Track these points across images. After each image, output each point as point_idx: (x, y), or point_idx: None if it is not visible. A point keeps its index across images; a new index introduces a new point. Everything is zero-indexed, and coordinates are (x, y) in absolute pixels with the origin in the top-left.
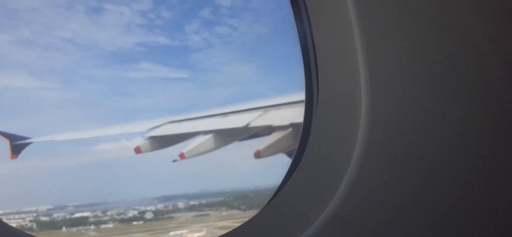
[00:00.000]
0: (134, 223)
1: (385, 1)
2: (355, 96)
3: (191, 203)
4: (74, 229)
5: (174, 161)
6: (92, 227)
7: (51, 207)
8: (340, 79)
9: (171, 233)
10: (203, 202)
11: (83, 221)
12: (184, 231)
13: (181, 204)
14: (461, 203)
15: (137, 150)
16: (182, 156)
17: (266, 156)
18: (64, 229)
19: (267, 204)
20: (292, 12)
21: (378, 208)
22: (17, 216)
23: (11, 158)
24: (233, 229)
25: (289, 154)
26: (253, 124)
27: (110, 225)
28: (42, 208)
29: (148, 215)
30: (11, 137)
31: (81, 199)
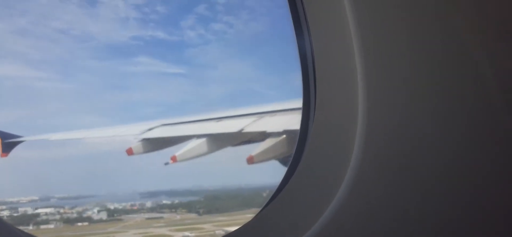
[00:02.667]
0: (79, 224)
1: (383, 8)
2: (353, 103)
3: (163, 201)
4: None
5: (166, 163)
6: (31, 227)
7: (36, 198)
8: (338, 86)
9: None
10: (176, 201)
11: (31, 219)
12: None
13: (149, 203)
14: (460, 204)
15: (129, 152)
16: (174, 159)
17: (258, 161)
18: None
19: (264, 208)
20: (291, 20)
21: (376, 213)
22: None
23: (1, 156)
24: (231, 232)
25: (282, 161)
26: (247, 129)
27: (51, 226)
28: (25, 199)
29: (102, 215)
30: (2, 135)
31: (71, 191)
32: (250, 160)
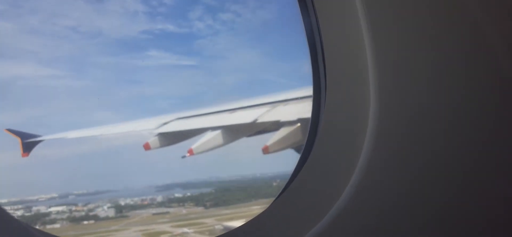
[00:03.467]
0: (85, 222)
1: (394, 4)
2: (363, 92)
3: (175, 195)
4: None
5: (183, 157)
6: (37, 227)
7: (56, 195)
8: (348, 75)
9: None
10: (188, 193)
11: (39, 219)
12: None
13: (160, 197)
14: (470, 201)
15: (146, 147)
16: (191, 152)
17: (274, 151)
18: None
19: (276, 199)
20: (299, 8)
21: (387, 204)
22: (11, 207)
23: (22, 156)
24: (243, 225)
25: (297, 149)
26: (261, 120)
27: (57, 225)
28: (45, 197)
29: (110, 212)
30: (22, 135)
31: (90, 187)
32: (266, 150)
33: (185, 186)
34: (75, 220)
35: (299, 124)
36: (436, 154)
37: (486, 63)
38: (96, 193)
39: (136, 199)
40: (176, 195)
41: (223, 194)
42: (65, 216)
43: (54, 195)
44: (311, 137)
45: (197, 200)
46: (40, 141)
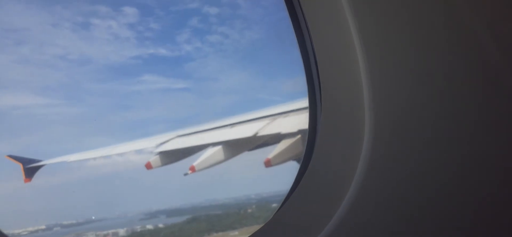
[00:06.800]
0: None
1: (383, 5)
2: (358, 101)
3: (148, 227)
4: None
5: (185, 174)
6: None
7: (43, 227)
8: (342, 85)
9: None
10: (160, 224)
11: None
12: None
13: (122, 231)
14: (469, 206)
15: (148, 166)
16: (193, 169)
17: (276, 164)
18: None
19: (276, 212)
20: (291, 23)
21: (386, 213)
22: None
23: (25, 181)
24: None
25: (299, 161)
26: (261, 133)
27: None
28: (31, 229)
29: None
30: (23, 160)
31: (83, 216)
32: (268, 163)
33: (170, 213)
34: None
35: (299, 135)
36: (434, 161)
37: (480, 63)
38: (84, 223)
39: (103, 232)
40: (148, 226)
41: (182, 228)
42: None
43: (42, 227)
44: (308, 149)
45: (155, 234)
46: (41, 166)
